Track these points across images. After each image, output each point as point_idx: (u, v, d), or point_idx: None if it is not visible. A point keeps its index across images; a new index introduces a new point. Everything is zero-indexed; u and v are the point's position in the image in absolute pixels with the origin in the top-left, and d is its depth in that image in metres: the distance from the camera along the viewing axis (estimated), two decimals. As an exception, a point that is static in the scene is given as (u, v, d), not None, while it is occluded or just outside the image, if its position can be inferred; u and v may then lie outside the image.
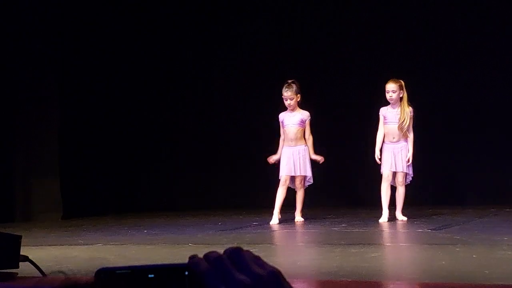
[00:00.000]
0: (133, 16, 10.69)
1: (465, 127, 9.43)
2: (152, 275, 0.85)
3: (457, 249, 4.76)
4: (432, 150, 9.52)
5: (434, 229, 6.26)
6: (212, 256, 0.84)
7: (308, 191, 7.78)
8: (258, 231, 6.87)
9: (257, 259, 0.85)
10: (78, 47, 9.97)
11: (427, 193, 9.38)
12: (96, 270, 0.78)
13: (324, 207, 8.25)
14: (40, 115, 9.61)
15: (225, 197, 10.14)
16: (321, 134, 8.20)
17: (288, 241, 5.80)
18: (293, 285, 0.84)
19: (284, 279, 0.83)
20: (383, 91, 7.46)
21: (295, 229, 6.97)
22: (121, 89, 10.74)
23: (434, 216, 7.64)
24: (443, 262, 4.06)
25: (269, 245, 5.48)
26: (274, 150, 7.85)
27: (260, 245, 5.46)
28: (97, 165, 10.27)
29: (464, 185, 9.38)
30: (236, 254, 0.84)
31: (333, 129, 9.49)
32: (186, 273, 0.84)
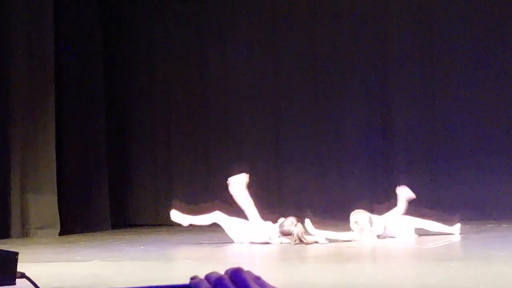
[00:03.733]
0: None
1: (463, 142, 9.46)
2: None
3: (453, 264, 4.77)
4: (428, 164, 9.56)
5: (430, 245, 6.26)
6: (213, 277, 0.85)
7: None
8: (254, 246, 6.86)
9: (258, 279, 0.87)
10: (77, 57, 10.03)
11: (422, 209, 9.38)
12: None
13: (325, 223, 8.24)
14: (36, 130, 9.60)
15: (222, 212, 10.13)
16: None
17: (285, 257, 5.80)
18: None
19: None
20: None
21: (291, 245, 6.95)
22: (118, 100, 10.79)
23: (430, 232, 7.64)
24: (439, 278, 4.07)
25: (265, 260, 5.48)
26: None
27: (255, 260, 5.46)
28: (94, 181, 10.27)
29: (461, 200, 9.39)
30: (237, 275, 0.86)
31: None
32: None
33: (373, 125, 9.91)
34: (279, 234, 6.86)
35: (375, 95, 9.95)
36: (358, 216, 7.02)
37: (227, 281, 0.85)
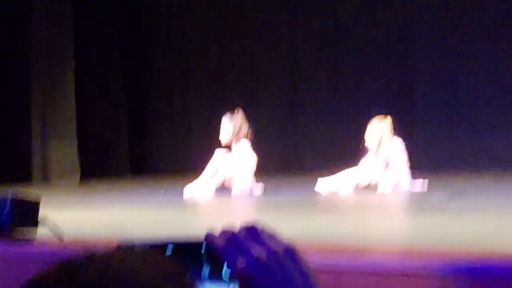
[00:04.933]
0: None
1: (481, 92, 9.38)
2: (171, 249, 0.87)
3: (471, 215, 4.78)
4: (447, 114, 9.50)
5: (447, 196, 6.26)
6: (229, 231, 0.86)
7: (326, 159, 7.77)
8: (268, 196, 6.89)
9: (273, 235, 0.88)
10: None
11: (440, 159, 9.36)
12: (116, 242, 0.80)
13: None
14: (57, 77, 9.64)
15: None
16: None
17: (298, 207, 5.84)
18: (306, 257, 0.87)
19: (299, 254, 0.86)
20: None
21: (305, 196, 6.98)
22: (139, 43, 10.78)
23: (448, 183, 7.63)
24: (456, 229, 4.09)
25: (279, 210, 5.52)
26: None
27: (270, 210, 5.50)
28: (115, 127, 10.34)
29: (479, 150, 9.34)
30: (252, 229, 0.87)
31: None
32: (204, 247, 0.87)
33: (392, 77, 9.84)
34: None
35: (396, 47, 9.85)
36: (373, 127, 7.16)
37: (243, 236, 0.86)
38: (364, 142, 7.27)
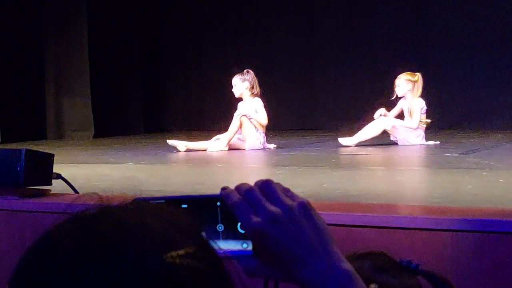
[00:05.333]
0: None
1: (494, 51, 9.30)
2: (185, 205, 0.88)
3: (484, 173, 4.77)
4: (460, 73, 9.44)
5: (461, 153, 6.25)
6: (243, 188, 0.86)
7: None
8: (283, 153, 6.92)
9: (287, 191, 0.88)
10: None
11: (455, 117, 9.33)
12: (133, 197, 0.81)
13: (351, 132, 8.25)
14: (70, 35, 9.62)
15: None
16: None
17: (313, 164, 5.84)
18: (320, 213, 0.86)
19: (314, 210, 0.86)
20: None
21: (320, 152, 7.00)
22: (154, 4, 10.73)
23: (462, 141, 7.61)
24: (470, 186, 4.08)
25: (294, 167, 5.52)
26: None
27: (286, 167, 5.51)
28: (128, 84, 10.34)
29: (493, 109, 9.30)
30: (267, 186, 0.86)
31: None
32: (219, 203, 0.87)
33: (407, 35, 9.76)
34: None
35: (411, 7, 9.76)
36: (399, 81, 7.28)
37: (257, 192, 0.86)
38: (392, 95, 7.35)
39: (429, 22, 9.68)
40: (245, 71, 7.38)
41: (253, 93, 7.32)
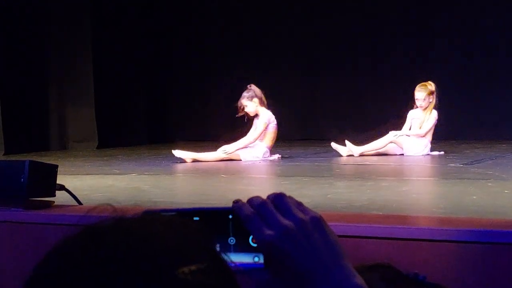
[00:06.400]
0: None
1: (498, 61, 9.29)
2: (197, 218, 0.87)
3: (489, 184, 4.75)
4: (464, 83, 9.43)
5: (466, 164, 6.24)
6: (256, 201, 0.86)
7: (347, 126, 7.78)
8: (288, 164, 6.91)
9: (300, 204, 0.87)
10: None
11: (459, 127, 9.31)
12: (144, 210, 0.80)
13: (355, 142, 8.23)
14: (74, 45, 9.65)
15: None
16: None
17: (318, 174, 5.83)
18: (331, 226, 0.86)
19: (326, 224, 0.86)
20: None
21: (325, 163, 6.99)
22: (159, 14, 10.75)
23: (466, 151, 7.60)
24: (474, 197, 4.06)
25: (299, 177, 5.51)
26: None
27: (290, 177, 5.50)
28: (132, 94, 10.35)
29: (497, 119, 9.28)
30: (279, 199, 0.86)
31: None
32: (230, 216, 0.87)
33: (411, 44, 9.76)
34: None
35: (414, 13, 9.77)
36: (420, 94, 7.28)
37: (270, 206, 0.85)
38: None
39: (433, 30, 9.68)
40: (248, 87, 7.39)
41: (263, 103, 7.34)
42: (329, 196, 4.24)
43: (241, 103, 7.38)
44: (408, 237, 2.48)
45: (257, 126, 7.33)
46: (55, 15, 9.57)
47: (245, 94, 7.36)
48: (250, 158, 7.21)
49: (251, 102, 7.32)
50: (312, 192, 4.40)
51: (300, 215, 0.85)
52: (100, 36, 9.80)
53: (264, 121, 7.28)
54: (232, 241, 0.87)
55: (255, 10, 10.55)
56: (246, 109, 7.37)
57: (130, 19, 10.31)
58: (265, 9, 10.47)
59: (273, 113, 7.47)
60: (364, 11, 9.99)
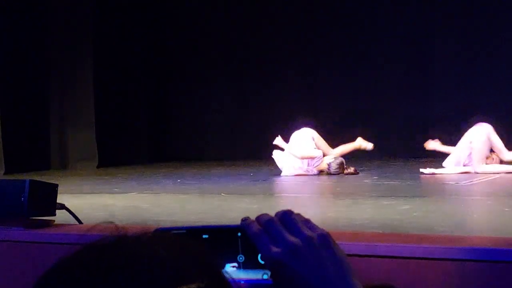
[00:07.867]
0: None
1: (499, 85, 9.31)
2: (207, 236, 0.88)
3: (489, 202, 4.75)
4: (464, 101, 9.44)
5: (466, 183, 6.23)
6: (263, 219, 0.86)
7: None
8: (288, 181, 6.90)
9: (307, 222, 0.88)
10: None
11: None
12: (155, 229, 0.80)
13: (357, 159, 8.22)
14: (75, 65, 9.67)
15: (256, 148, 10.20)
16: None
17: (319, 193, 5.83)
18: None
19: (334, 241, 0.86)
20: None
21: (325, 181, 6.99)
22: (159, 32, 10.79)
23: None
24: (475, 215, 4.06)
25: (300, 195, 5.51)
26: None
27: (290, 195, 5.49)
28: (132, 114, 10.37)
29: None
30: (287, 217, 0.86)
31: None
32: (239, 234, 0.87)
33: (412, 61, 9.79)
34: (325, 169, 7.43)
35: (414, 28, 9.80)
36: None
37: (277, 223, 0.86)
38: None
39: (433, 41, 9.70)
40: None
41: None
42: (329, 214, 4.23)
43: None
44: (409, 256, 2.47)
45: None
46: (57, 37, 9.61)
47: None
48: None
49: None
50: (312, 210, 4.40)
51: (307, 232, 0.85)
52: (101, 57, 9.82)
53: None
54: (241, 258, 0.88)
55: (258, 34, 10.57)
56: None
57: (130, 41, 10.34)
58: (267, 31, 10.50)
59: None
60: (366, 27, 10.03)
